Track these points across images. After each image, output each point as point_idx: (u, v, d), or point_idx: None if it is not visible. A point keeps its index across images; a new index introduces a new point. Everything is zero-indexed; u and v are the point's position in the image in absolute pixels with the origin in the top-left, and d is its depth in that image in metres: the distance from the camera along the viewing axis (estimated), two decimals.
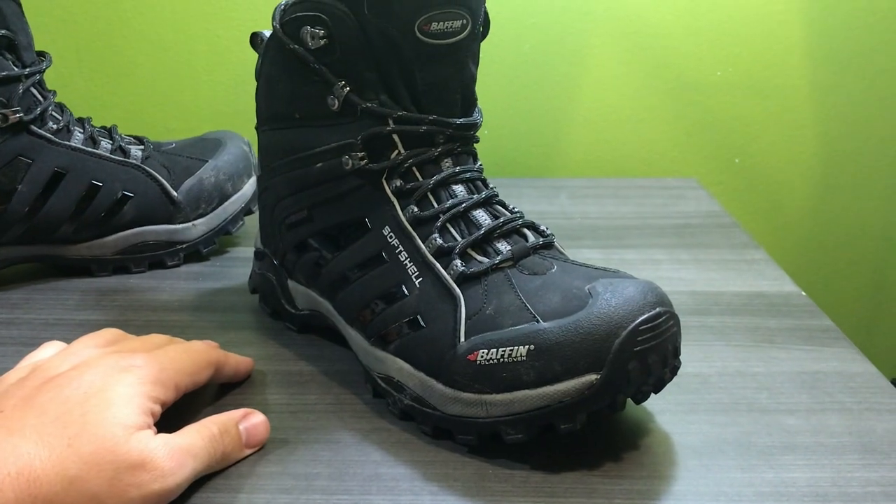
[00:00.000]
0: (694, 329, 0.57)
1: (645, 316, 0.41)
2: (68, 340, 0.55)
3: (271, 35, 0.49)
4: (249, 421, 0.45)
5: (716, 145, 0.94)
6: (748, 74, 0.91)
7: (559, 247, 0.50)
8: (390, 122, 0.48)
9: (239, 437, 0.44)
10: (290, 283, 0.55)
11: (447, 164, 0.49)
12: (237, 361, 0.51)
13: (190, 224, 0.67)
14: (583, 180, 0.91)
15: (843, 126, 0.94)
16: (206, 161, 0.68)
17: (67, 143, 0.63)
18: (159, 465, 0.38)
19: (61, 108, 0.65)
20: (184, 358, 0.45)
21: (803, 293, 0.63)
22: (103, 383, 0.40)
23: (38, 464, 0.36)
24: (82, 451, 0.37)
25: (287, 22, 0.48)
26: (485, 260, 0.46)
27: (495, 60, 0.89)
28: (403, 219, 0.48)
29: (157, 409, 0.42)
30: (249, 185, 0.70)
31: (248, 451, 0.44)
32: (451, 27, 0.47)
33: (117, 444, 0.38)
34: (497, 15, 0.90)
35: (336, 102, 0.48)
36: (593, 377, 0.41)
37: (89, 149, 0.64)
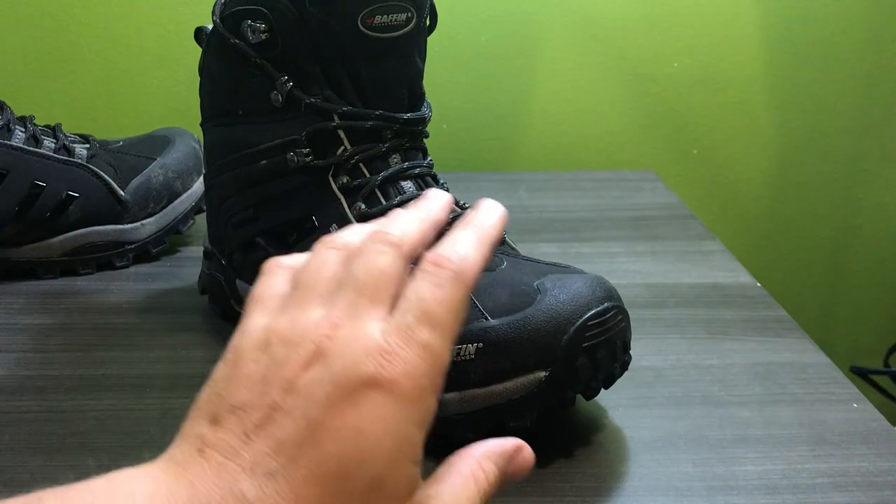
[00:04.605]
0: (648, 322, 0.57)
1: (593, 311, 0.40)
2: (10, 347, 0.54)
3: (212, 30, 0.48)
4: (521, 458, 0.32)
5: (673, 137, 0.94)
6: (705, 65, 0.92)
7: (510, 242, 0.49)
8: (335, 117, 0.47)
9: (507, 479, 0.32)
10: (239, 283, 0.54)
11: (395, 160, 0.48)
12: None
13: (138, 224, 0.65)
14: (541, 174, 0.90)
15: (800, 116, 0.94)
16: (155, 159, 0.67)
17: (8, 142, 0.61)
18: None
19: (1, 106, 0.63)
20: (444, 306, 0.29)
21: (758, 284, 0.63)
22: (357, 420, 0.27)
23: None
24: None
25: (227, 16, 0.47)
26: None
27: (452, 54, 0.88)
28: (351, 216, 0.47)
29: (427, 429, 0.29)
30: (199, 183, 0.68)
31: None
32: (396, 20, 0.46)
33: None
34: (453, 8, 0.90)
35: (279, 98, 0.47)
36: (542, 374, 0.40)
37: (31, 148, 0.62)
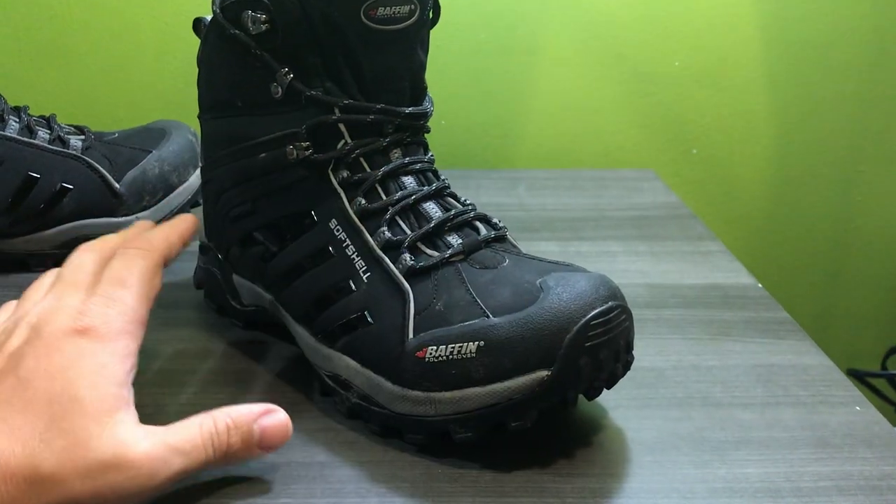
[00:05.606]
0: (649, 322, 0.57)
1: (596, 311, 0.40)
2: None
3: (211, 20, 0.48)
4: (268, 420, 0.40)
5: (673, 136, 0.94)
6: (705, 65, 0.91)
7: (512, 239, 0.48)
8: (336, 110, 0.46)
9: (251, 437, 0.39)
10: (235, 278, 0.53)
11: (396, 155, 0.48)
12: (176, 233, 0.47)
13: (133, 217, 0.64)
14: (541, 172, 0.90)
15: (799, 117, 0.94)
16: (150, 151, 0.66)
17: (1, 132, 0.60)
18: (136, 464, 0.35)
19: None
20: (131, 272, 0.41)
21: (759, 285, 0.63)
22: (62, 361, 0.37)
23: (13, 461, 0.34)
24: (54, 447, 0.34)
25: (227, 6, 0.46)
26: (435, 254, 0.45)
27: (451, 49, 0.88)
28: (351, 211, 0.46)
29: (131, 364, 0.39)
30: (196, 177, 0.68)
31: (260, 454, 0.40)
32: (399, 13, 0.45)
33: (90, 438, 0.35)
34: (453, 3, 0.89)
35: (279, 90, 0.46)
36: (544, 373, 0.39)
37: (25, 139, 0.61)
